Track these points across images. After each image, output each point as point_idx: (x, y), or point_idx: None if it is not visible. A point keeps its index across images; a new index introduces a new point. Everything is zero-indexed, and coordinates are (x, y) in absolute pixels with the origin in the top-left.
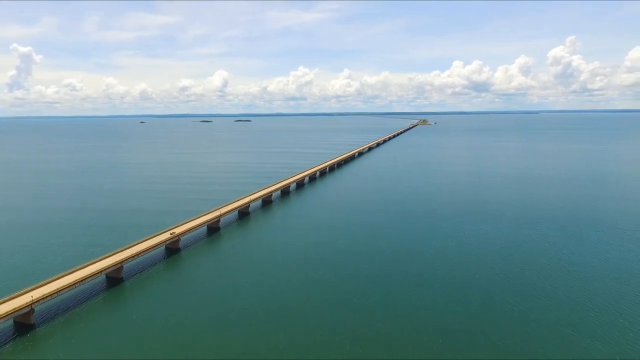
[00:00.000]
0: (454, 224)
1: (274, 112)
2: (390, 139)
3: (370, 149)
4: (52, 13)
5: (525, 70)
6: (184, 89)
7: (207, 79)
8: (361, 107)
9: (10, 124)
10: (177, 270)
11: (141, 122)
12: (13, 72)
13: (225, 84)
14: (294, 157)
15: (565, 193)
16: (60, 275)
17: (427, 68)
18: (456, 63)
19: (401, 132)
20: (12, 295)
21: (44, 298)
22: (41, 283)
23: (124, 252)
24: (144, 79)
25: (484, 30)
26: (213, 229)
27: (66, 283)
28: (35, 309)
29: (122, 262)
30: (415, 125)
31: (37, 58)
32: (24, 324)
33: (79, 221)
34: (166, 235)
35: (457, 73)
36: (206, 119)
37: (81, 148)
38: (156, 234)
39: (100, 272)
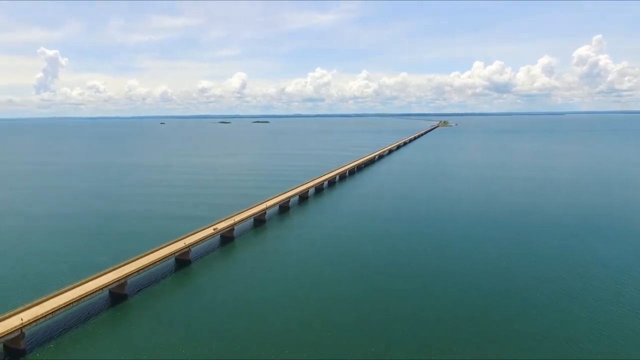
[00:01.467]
0: (479, 232)
1: (292, 113)
2: (411, 140)
3: (390, 151)
4: (77, 17)
5: (549, 71)
6: (203, 90)
7: (226, 80)
8: (379, 108)
9: (38, 125)
10: (186, 284)
11: (161, 123)
12: (40, 74)
13: (243, 85)
14: (312, 159)
15: (595, 200)
16: (55, 293)
17: (447, 69)
18: (476, 64)
19: (422, 134)
20: (1, 317)
21: (36, 320)
22: (33, 303)
23: (129, 265)
24: (164, 80)
25: (505, 30)
26: (227, 238)
27: (62, 302)
28: (26, 332)
29: (126, 276)
30: (436, 127)
31: (63, 61)
32: (14, 349)
33: (79, 230)
34: (177, 246)
35: (478, 74)
36: (225, 120)
37: (97, 149)
38: (165, 244)
39: (102, 288)
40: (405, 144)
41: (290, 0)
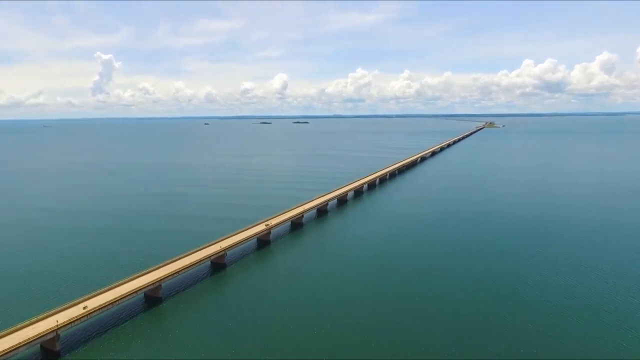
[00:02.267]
0: (524, 242)
1: (332, 113)
2: (455, 142)
3: (434, 153)
4: (129, 22)
5: (609, 68)
6: (245, 91)
7: (268, 81)
8: (421, 109)
9: (92, 125)
10: (221, 288)
11: (205, 124)
12: (96, 77)
13: (284, 86)
14: (351, 161)
15: None
16: (91, 294)
17: (493, 68)
18: (526, 62)
19: (467, 135)
20: (37, 318)
21: (71, 322)
22: (69, 304)
23: (164, 267)
24: (209, 82)
25: (558, 26)
26: (263, 241)
27: (97, 304)
28: (61, 334)
29: (161, 279)
30: (482, 128)
31: (117, 64)
32: (49, 350)
33: (118, 229)
34: (213, 249)
35: (528, 72)
36: (265, 120)
37: (142, 149)
38: (201, 247)
39: (137, 290)
40: (449, 145)
41: (332, 1)
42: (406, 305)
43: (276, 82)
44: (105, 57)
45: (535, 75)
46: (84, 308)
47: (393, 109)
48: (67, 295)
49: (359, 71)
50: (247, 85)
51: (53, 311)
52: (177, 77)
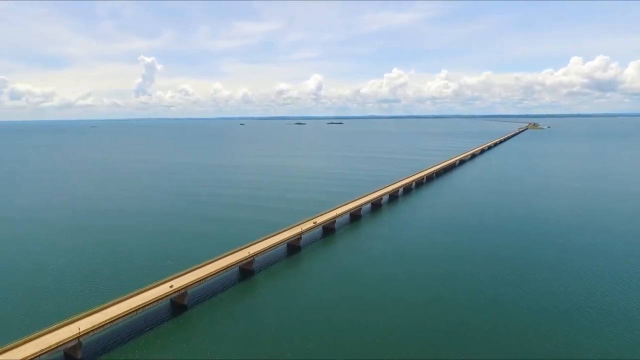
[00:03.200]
0: (568, 255)
1: (367, 114)
2: (496, 144)
3: (473, 156)
4: (170, 26)
5: None
6: (281, 92)
7: (303, 82)
8: (459, 110)
9: (135, 125)
10: (249, 295)
11: (241, 124)
12: (139, 80)
13: (319, 87)
14: (386, 163)
15: None
16: (115, 301)
17: (537, 66)
18: (574, 59)
19: (509, 137)
20: (60, 324)
21: (93, 329)
22: (93, 310)
23: (191, 273)
24: (245, 83)
25: (608, 21)
26: (293, 247)
27: (121, 311)
28: (83, 341)
29: (187, 286)
30: (525, 130)
31: (159, 67)
32: (72, 357)
33: (141, 233)
34: (241, 255)
35: (575, 70)
36: (300, 121)
37: (177, 148)
38: (229, 252)
39: (163, 297)
40: (489, 148)
41: (368, 1)
42: (441, 314)
43: (311, 82)
44: (148, 59)
45: (584, 73)
46: (109, 315)
47: (429, 109)
48: (89, 301)
49: (395, 71)
50: (282, 86)
51: (75, 317)
52: (214, 79)
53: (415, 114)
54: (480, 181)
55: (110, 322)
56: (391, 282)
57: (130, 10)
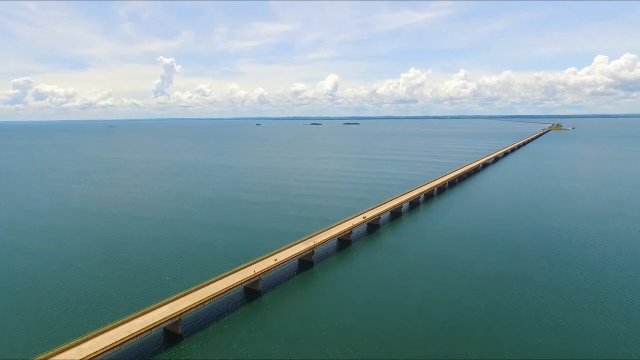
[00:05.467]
0: (599, 268)
1: (383, 114)
2: (519, 146)
3: (497, 159)
4: (189, 27)
5: None
6: (296, 92)
7: (319, 82)
8: (477, 110)
9: (153, 125)
10: (256, 319)
11: (257, 125)
12: (158, 80)
13: (335, 87)
14: (405, 166)
15: None
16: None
17: (560, 65)
18: (599, 58)
19: (532, 139)
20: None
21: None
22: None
23: (184, 298)
24: (262, 84)
25: (636, 19)
26: (305, 262)
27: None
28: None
29: (181, 312)
30: (548, 131)
31: (177, 68)
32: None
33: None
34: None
35: (600, 69)
36: (316, 121)
37: (191, 149)
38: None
39: (239, 283)
40: (513, 150)
41: (385, 1)
42: (473, 310)
43: (327, 83)
44: (167, 60)
45: (609, 72)
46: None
47: (447, 109)
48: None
49: (412, 71)
50: (298, 86)
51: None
52: (231, 79)
53: (432, 114)
54: (507, 188)
55: (203, 302)
56: (408, 302)
57: (150, 12)
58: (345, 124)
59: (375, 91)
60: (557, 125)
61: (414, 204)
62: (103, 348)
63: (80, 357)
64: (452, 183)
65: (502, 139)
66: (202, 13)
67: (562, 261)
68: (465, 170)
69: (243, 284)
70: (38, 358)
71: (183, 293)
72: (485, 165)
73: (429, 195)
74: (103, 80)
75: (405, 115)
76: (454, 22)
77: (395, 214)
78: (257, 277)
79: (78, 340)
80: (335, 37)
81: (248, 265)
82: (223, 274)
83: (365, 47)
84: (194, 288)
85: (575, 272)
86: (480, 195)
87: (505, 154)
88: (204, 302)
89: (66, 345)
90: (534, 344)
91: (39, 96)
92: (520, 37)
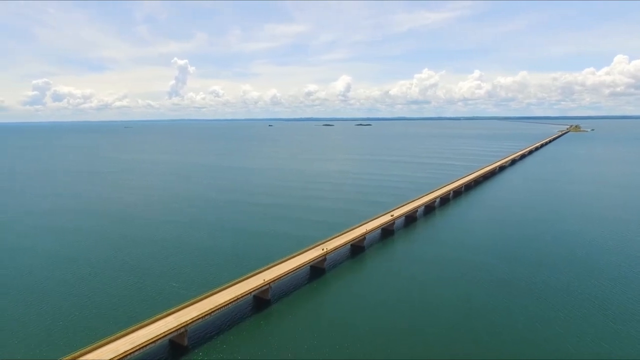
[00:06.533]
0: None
1: (396, 115)
2: (537, 148)
3: (514, 162)
4: (203, 29)
5: None
6: (309, 93)
7: (331, 84)
8: (492, 111)
9: (167, 126)
10: (265, 328)
11: (269, 125)
12: (172, 82)
13: (348, 88)
14: (418, 169)
15: None
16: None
17: (577, 65)
18: (619, 58)
19: (550, 141)
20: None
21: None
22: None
23: (190, 307)
24: (274, 85)
25: None
26: (317, 269)
27: (217, 303)
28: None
29: (187, 324)
30: (566, 132)
31: (191, 69)
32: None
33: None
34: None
35: (620, 70)
36: (328, 122)
37: (203, 150)
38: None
39: (249, 292)
40: (530, 152)
41: (399, 1)
42: (491, 315)
43: (339, 84)
44: (181, 62)
45: (629, 72)
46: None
47: (461, 110)
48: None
49: (425, 72)
50: (311, 87)
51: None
52: (245, 81)
53: (446, 115)
54: (524, 192)
55: (210, 312)
56: (424, 314)
57: (166, 14)
58: (357, 124)
59: (388, 92)
60: (576, 126)
61: (429, 208)
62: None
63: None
64: (469, 187)
65: (519, 141)
66: (217, 14)
67: (581, 269)
68: (481, 174)
69: (252, 293)
70: None
71: (189, 302)
72: (502, 168)
73: (444, 200)
74: (119, 81)
75: (418, 116)
76: (468, 22)
77: (410, 219)
78: (267, 286)
79: (79, 352)
80: (349, 37)
81: (257, 273)
82: (231, 282)
83: (379, 48)
84: (200, 297)
85: (595, 281)
86: (498, 199)
87: (522, 156)
88: (211, 312)
89: (67, 358)
90: (550, 350)
91: (57, 97)
92: (536, 37)
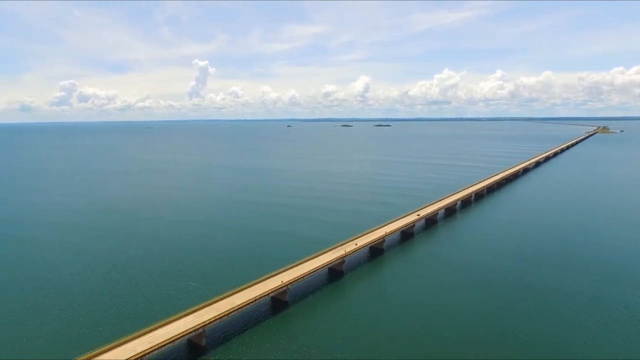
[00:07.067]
0: None
1: (415, 116)
2: (562, 150)
3: (538, 164)
4: (224, 30)
5: None
6: (327, 94)
7: (350, 84)
8: (514, 112)
9: (188, 126)
10: (285, 329)
11: (288, 126)
12: (193, 82)
13: (366, 88)
14: (440, 170)
15: None
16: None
17: (605, 65)
18: None
19: (577, 142)
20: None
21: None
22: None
23: (207, 308)
24: (293, 85)
25: None
26: (335, 271)
27: (234, 304)
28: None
29: (205, 324)
30: (593, 134)
31: (211, 70)
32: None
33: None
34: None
35: None
36: (347, 123)
37: (222, 150)
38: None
39: (267, 294)
40: (555, 154)
41: (419, 1)
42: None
43: (358, 84)
44: (202, 63)
45: None
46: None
47: (482, 111)
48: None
49: (446, 72)
50: (329, 88)
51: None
52: (264, 81)
53: (466, 116)
54: (550, 195)
55: (228, 313)
56: (453, 317)
57: (188, 16)
58: (376, 125)
59: (407, 92)
60: (604, 127)
61: (450, 210)
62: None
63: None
64: (491, 189)
65: (543, 142)
66: (237, 15)
67: (609, 275)
68: (504, 176)
69: (270, 294)
70: None
71: (208, 303)
72: (525, 170)
73: (466, 202)
74: (141, 82)
75: (438, 116)
76: (490, 22)
77: (431, 222)
78: (285, 287)
79: (96, 351)
80: (367, 38)
81: (275, 275)
82: (249, 283)
83: (398, 48)
84: (219, 297)
85: (623, 288)
86: (521, 202)
87: (547, 158)
88: (229, 313)
89: (86, 356)
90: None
91: (83, 98)
92: (560, 37)
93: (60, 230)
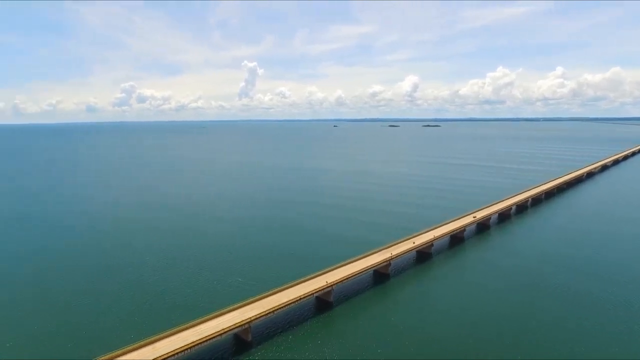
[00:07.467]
0: None
1: (466, 116)
2: (633, 153)
3: (604, 167)
4: (271, 32)
5: None
6: (374, 94)
7: (397, 84)
8: (576, 111)
9: (237, 126)
10: (328, 330)
11: (334, 126)
12: (242, 84)
13: (414, 88)
14: (494, 173)
15: None
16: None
17: None
18: None
19: None
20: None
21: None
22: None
23: (253, 304)
24: (339, 86)
25: None
26: (381, 274)
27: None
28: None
29: (251, 320)
30: None
31: (260, 71)
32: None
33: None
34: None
35: None
36: (394, 123)
37: (271, 150)
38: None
39: (311, 294)
40: (625, 158)
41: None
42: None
43: (405, 84)
44: (251, 65)
45: None
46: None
47: (540, 111)
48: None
49: (500, 70)
50: (376, 88)
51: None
52: (311, 82)
53: (522, 116)
54: (617, 201)
55: (273, 310)
56: (502, 325)
57: (237, 18)
58: (425, 126)
59: (457, 92)
60: None
61: (504, 215)
62: (175, 349)
63: (154, 357)
64: (550, 194)
65: (610, 145)
66: (284, 17)
67: None
68: (565, 180)
69: (315, 294)
70: (115, 352)
71: (254, 299)
72: (590, 174)
73: (521, 207)
74: (194, 83)
75: (491, 116)
76: (549, 15)
77: (483, 227)
78: (330, 288)
79: (153, 338)
80: (415, 37)
81: (320, 275)
82: (294, 282)
83: (447, 46)
84: (264, 295)
85: None
86: (586, 208)
87: (616, 162)
88: (274, 311)
89: (142, 342)
90: None
91: (141, 99)
92: (629, 29)
93: (119, 224)
